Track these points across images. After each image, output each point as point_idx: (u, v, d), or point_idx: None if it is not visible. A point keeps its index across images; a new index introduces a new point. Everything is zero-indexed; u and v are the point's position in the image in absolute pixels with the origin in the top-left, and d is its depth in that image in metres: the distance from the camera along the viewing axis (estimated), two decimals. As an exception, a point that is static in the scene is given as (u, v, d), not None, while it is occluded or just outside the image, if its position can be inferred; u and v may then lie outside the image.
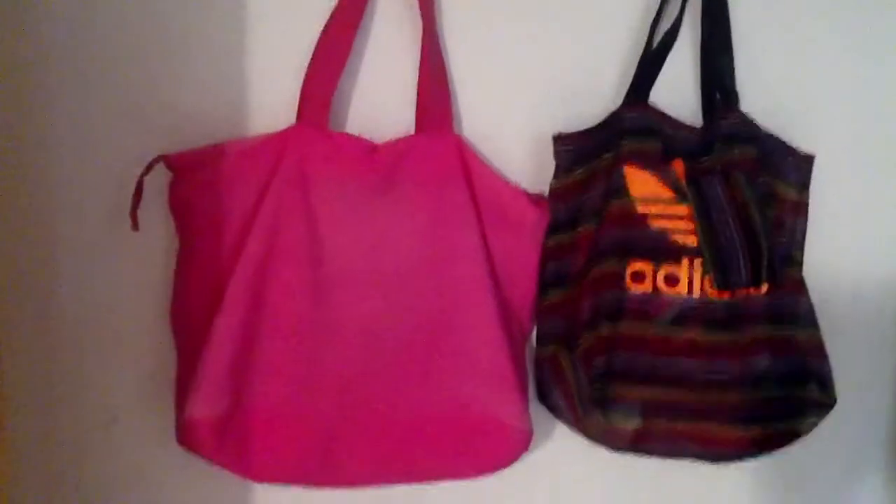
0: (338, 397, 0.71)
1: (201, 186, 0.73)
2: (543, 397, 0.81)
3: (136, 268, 0.78)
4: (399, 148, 0.74)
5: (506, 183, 0.76)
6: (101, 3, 0.76)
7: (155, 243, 0.77)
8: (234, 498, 0.81)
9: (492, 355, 0.73)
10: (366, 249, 0.73)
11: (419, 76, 0.75)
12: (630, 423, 0.75)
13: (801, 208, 0.79)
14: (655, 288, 0.76)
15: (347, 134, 0.75)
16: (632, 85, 0.79)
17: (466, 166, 0.75)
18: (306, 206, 0.72)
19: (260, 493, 0.81)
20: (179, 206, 0.74)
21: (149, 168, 0.72)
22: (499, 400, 0.73)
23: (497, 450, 0.74)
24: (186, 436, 0.71)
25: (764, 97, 0.80)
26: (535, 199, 0.78)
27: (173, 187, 0.74)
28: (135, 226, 0.72)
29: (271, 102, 0.76)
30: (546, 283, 0.79)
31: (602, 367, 0.75)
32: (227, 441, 0.70)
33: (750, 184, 0.76)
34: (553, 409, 0.81)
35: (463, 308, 0.73)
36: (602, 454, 0.78)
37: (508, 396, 0.73)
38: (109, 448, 0.80)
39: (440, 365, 0.73)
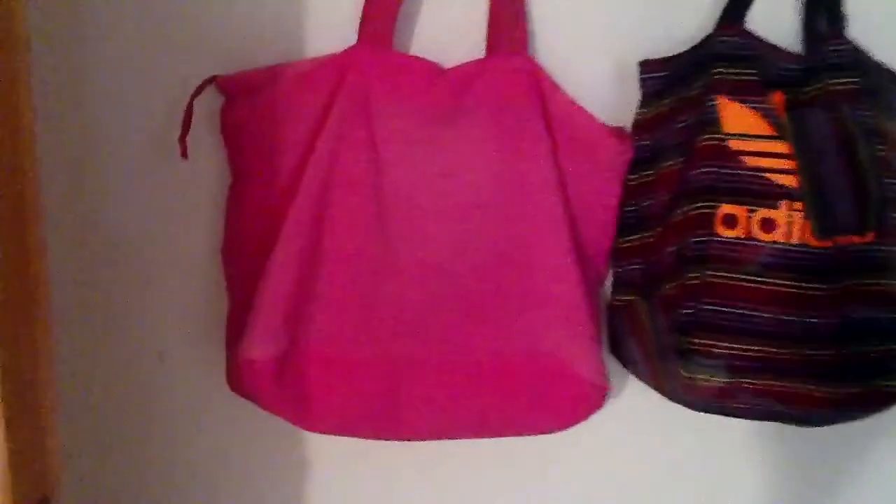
0: (401, 339, 0.66)
1: (256, 111, 0.67)
2: (616, 348, 0.76)
3: (185, 198, 0.73)
4: (469, 71, 0.68)
5: (585, 112, 0.70)
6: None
7: (205, 172, 0.72)
8: (283, 440, 0.78)
9: (567, 299, 0.68)
10: (432, 179, 0.67)
11: (492, -4, 0.69)
12: (714, 379, 0.69)
13: (913, 147, 0.72)
14: (749, 233, 0.69)
15: (414, 56, 0.69)
16: (726, 6, 0.71)
17: (542, 92, 0.68)
18: (369, 132, 0.66)
19: (310, 437, 0.77)
20: (232, 133, 0.69)
21: (199, 90, 0.67)
22: (574, 348, 0.68)
23: (571, 403, 0.69)
24: (240, 378, 0.66)
25: (875, 22, 0.72)
26: (617, 132, 0.71)
27: (226, 112, 0.69)
28: (184, 153, 0.67)
29: (330, 21, 0.70)
30: (625, 223, 0.73)
31: (686, 316, 0.68)
32: (283, 385, 0.66)
33: (857, 119, 0.68)
34: (626, 362, 0.76)
35: (536, 245, 0.67)
36: (677, 414, 0.73)
37: (584, 345, 0.68)
38: (155, 384, 0.77)
39: (511, 307, 0.67)
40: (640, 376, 0.75)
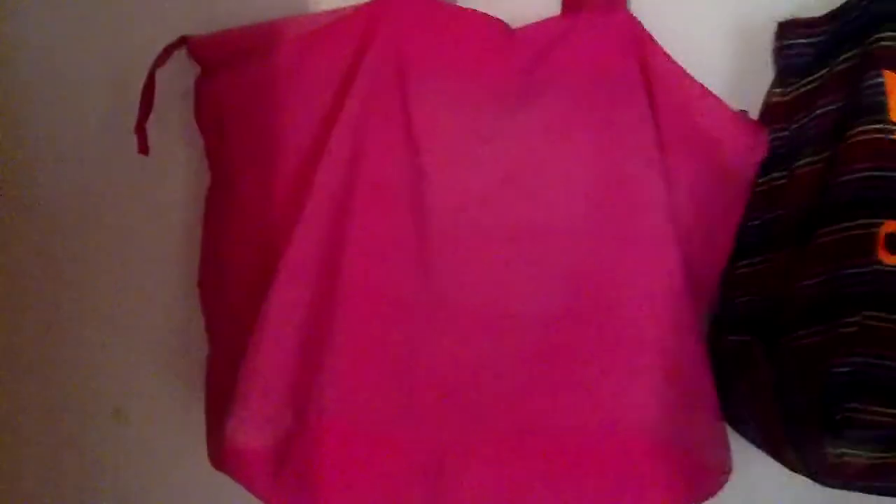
0: (446, 415, 0.48)
1: (245, 86, 0.50)
2: (722, 403, 0.58)
3: (147, 207, 0.56)
4: (549, 32, 0.50)
5: (708, 93, 0.51)
6: None
7: (174, 172, 0.55)
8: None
9: (676, 354, 0.50)
10: (493, 186, 0.49)
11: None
12: (866, 454, 0.52)
13: None
14: (925, 261, 0.51)
15: (470, 9, 0.49)
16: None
17: (647, 66, 0.50)
18: (405, 117, 0.48)
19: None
20: (212, 117, 0.51)
21: (163, 58, 0.50)
22: (683, 420, 0.50)
23: (677, 492, 0.50)
24: (228, 463, 0.48)
25: None
26: (749, 122, 0.53)
27: (202, 88, 0.51)
28: (143, 148, 0.49)
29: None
30: (744, 243, 0.57)
31: (840, 376, 0.51)
32: (286, 475, 0.48)
33: None
34: (734, 421, 0.58)
35: (639, 280, 0.49)
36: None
37: (697, 415, 0.50)
38: (114, 445, 0.62)
39: (600, 366, 0.49)
40: (751, 438, 0.59)
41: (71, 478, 0.62)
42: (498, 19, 0.49)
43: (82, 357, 0.59)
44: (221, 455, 0.48)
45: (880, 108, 0.52)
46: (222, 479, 0.53)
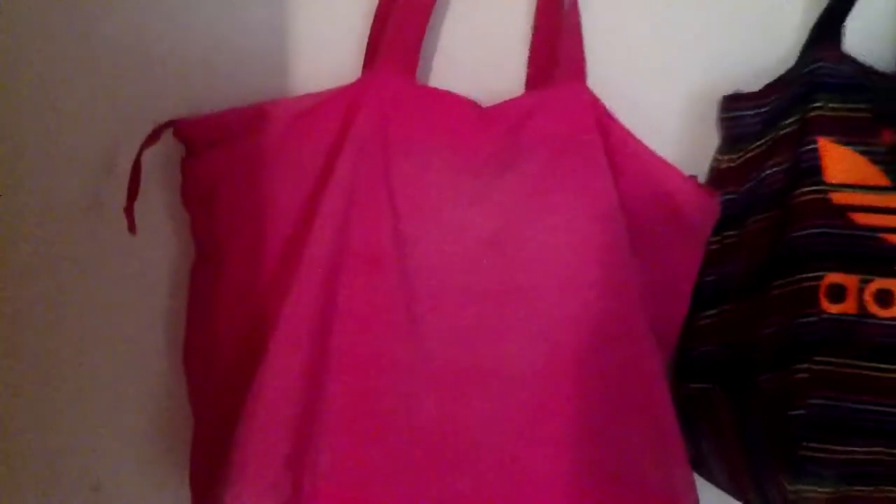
0: (443, 474, 0.49)
1: (232, 166, 0.50)
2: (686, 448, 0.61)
3: (131, 283, 0.55)
4: (519, 108, 0.52)
5: (662, 161, 0.55)
6: None
7: (158, 250, 0.55)
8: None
9: (655, 405, 0.52)
10: (475, 252, 0.51)
11: (537, 19, 0.54)
12: (824, 490, 0.55)
13: None
14: (861, 308, 0.55)
15: (446, 91, 0.52)
16: (818, 27, 0.58)
17: (608, 137, 0.53)
18: (388, 189, 0.50)
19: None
20: (199, 196, 0.51)
21: (151, 139, 0.49)
22: (665, 468, 0.52)
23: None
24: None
25: None
26: (703, 187, 0.57)
27: (189, 168, 0.51)
28: (131, 227, 0.49)
29: (324, 57, 0.54)
30: (701, 296, 0.60)
31: (796, 419, 0.54)
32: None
33: None
34: (698, 465, 0.61)
35: (615, 339, 0.51)
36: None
37: (676, 463, 0.53)
38: None
39: (587, 420, 0.51)
40: (713, 479, 0.62)
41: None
42: (469, 99, 0.52)
43: (62, 431, 0.57)
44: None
45: (816, 172, 0.56)
46: None
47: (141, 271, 0.55)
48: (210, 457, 0.50)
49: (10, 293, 0.55)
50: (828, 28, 0.58)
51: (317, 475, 0.47)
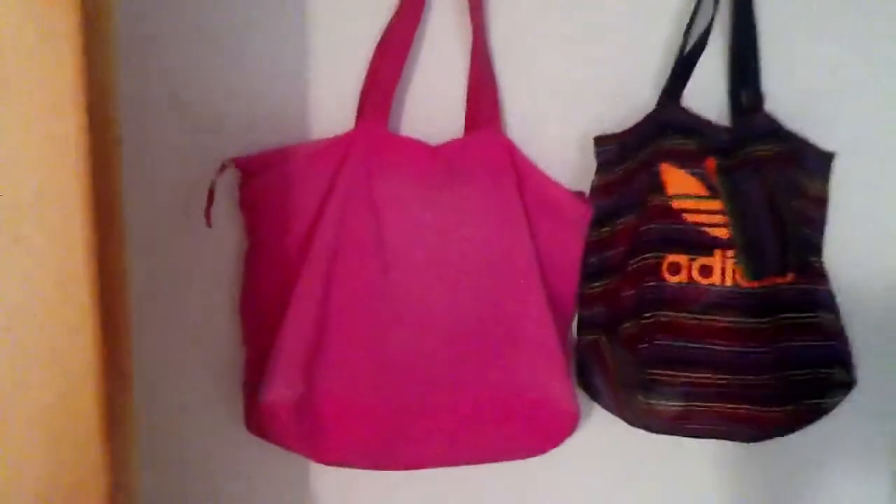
0: (403, 383, 0.76)
1: (269, 186, 0.78)
2: (584, 382, 0.87)
3: (209, 259, 0.82)
4: (455, 147, 0.80)
5: (552, 181, 0.82)
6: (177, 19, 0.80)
7: (225, 239, 0.82)
8: (291, 477, 0.87)
9: (543, 341, 0.79)
10: (427, 243, 0.78)
11: (469, 80, 0.81)
12: (672, 405, 0.81)
13: (822, 202, 0.85)
14: (691, 278, 0.81)
15: (407, 137, 0.80)
16: (665, 87, 0.84)
17: (516, 166, 0.80)
18: (371, 203, 0.77)
19: (315, 473, 0.87)
20: (249, 205, 0.79)
21: (221, 170, 0.77)
22: (549, 383, 0.79)
23: (549, 430, 0.79)
24: (261, 419, 0.75)
25: (787, 98, 0.86)
26: (579, 196, 0.83)
27: (243, 187, 0.79)
28: (208, 223, 0.77)
29: (330, 108, 0.82)
30: (588, 273, 0.85)
31: (646, 352, 0.80)
32: (299, 425, 0.75)
33: (778, 179, 0.82)
34: (593, 394, 0.87)
35: (516, 297, 0.78)
36: (634, 439, 0.85)
37: (558, 380, 0.79)
38: (178, 435, 0.85)
39: (496, 350, 0.78)
40: (605, 405, 0.86)
41: (150, 454, 0.82)
42: (423, 142, 0.79)
43: (158, 365, 0.83)
44: (256, 413, 0.75)
45: (660, 187, 0.82)
46: (255, 451, 0.78)
47: (215, 251, 0.81)
48: (255, 373, 0.77)
49: (143, 259, 0.81)
50: (672, 90, 0.84)
51: (324, 378, 0.75)
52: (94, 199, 0.49)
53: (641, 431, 0.84)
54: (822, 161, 0.85)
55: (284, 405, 0.74)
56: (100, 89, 0.50)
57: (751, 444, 0.86)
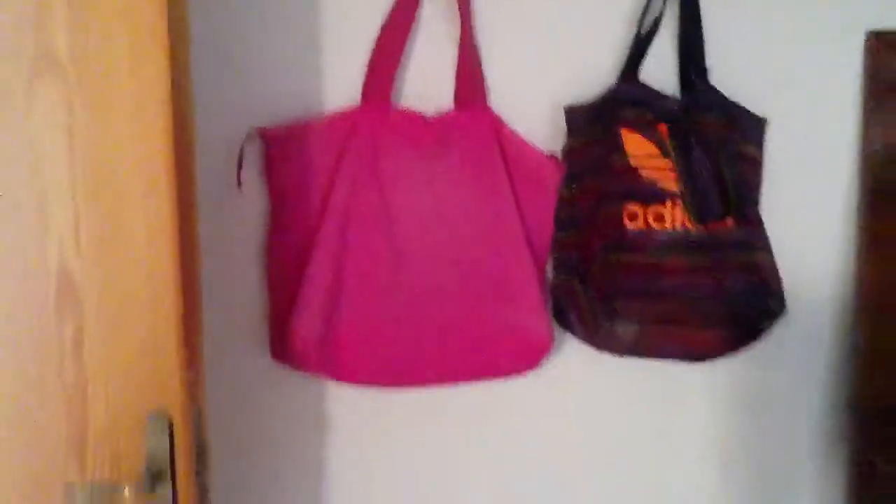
0: (408, 317, 0.92)
1: (289, 155, 0.92)
2: (559, 317, 1.02)
3: (237, 219, 0.96)
4: (446, 121, 0.95)
5: (530, 146, 0.97)
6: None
7: (252, 200, 0.96)
8: (309, 399, 1.02)
9: (524, 282, 0.94)
10: (425, 197, 0.93)
11: (458, 60, 0.96)
12: (630, 331, 0.96)
13: (757, 161, 1.01)
14: (647, 224, 0.97)
15: (405, 110, 0.95)
16: (625, 64, 0.99)
17: (500, 135, 0.95)
18: (377, 168, 0.92)
19: (330, 394, 1.02)
20: (271, 170, 0.93)
21: (249, 138, 0.91)
22: (531, 316, 0.94)
23: (528, 354, 0.95)
24: (289, 348, 0.90)
25: (727, 72, 1.01)
26: (552, 158, 0.99)
27: (266, 155, 0.93)
28: (239, 183, 0.92)
29: (340, 87, 0.96)
30: (562, 223, 1.00)
31: (608, 287, 0.96)
32: (321, 351, 0.90)
33: (719, 140, 0.97)
34: (567, 326, 1.02)
35: (502, 246, 0.94)
36: (601, 363, 1.01)
37: (536, 313, 0.95)
38: (213, 364, 0.95)
39: (487, 289, 0.94)
40: (577, 334, 1.02)
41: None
42: (420, 114, 0.94)
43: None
44: (283, 343, 0.90)
45: (621, 147, 0.97)
46: (277, 376, 0.94)
47: (243, 212, 0.95)
48: (279, 313, 0.92)
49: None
50: (630, 67, 0.99)
51: (341, 315, 0.90)
52: (178, 186, 0.64)
53: (606, 358, 1.01)
54: (756, 125, 1.01)
55: (310, 335, 0.89)
56: (182, 97, 0.65)
57: (695, 363, 1.02)
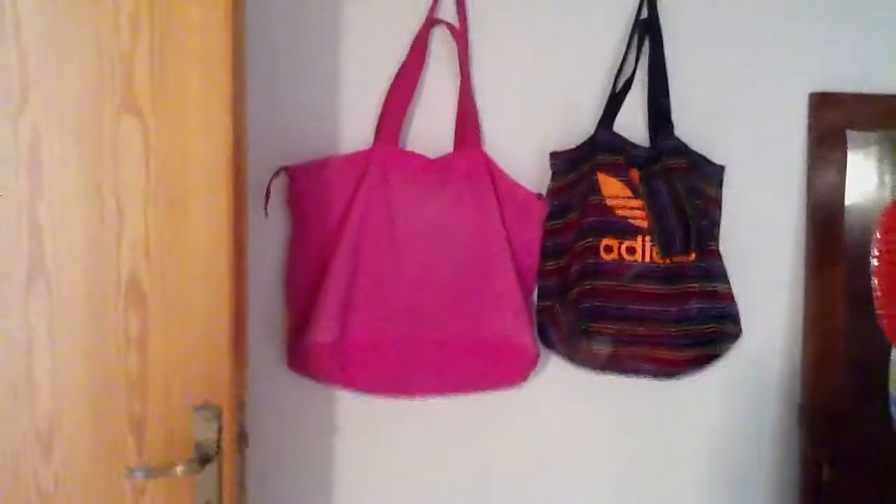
0: (408, 329, 1.04)
1: (310, 188, 1.06)
2: (542, 336, 1.15)
3: (265, 239, 1.09)
4: (446, 161, 1.09)
5: (518, 185, 1.11)
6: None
7: (276, 223, 1.09)
8: (317, 402, 1.13)
9: (511, 301, 1.07)
10: (427, 227, 1.07)
11: (458, 110, 1.10)
12: (605, 349, 1.10)
13: (716, 201, 1.16)
14: (620, 256, 1.11)
15: (413, 151, 1.09)
16: (602, 116, 1.14)
17: (492, 173, 1.09)
18: (386, 200, 1.06)
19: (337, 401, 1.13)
20: (294, 201, 1.07)
21: (276, 174, 1.04)
22: (519, 331, 1.07)
23: (517, 366, 1.08)
24: (305, 358, 1.02)
25: (690, 126, 1.16)
26: (538, 196, 1.13)
27: (291, 187, 1.07)
28: (266, 213, 1.05)
29: (355, 130, 1.10)
30: (545, 254, 1.14)
31: (586, 310, 1.09)
32: (334, 360, 1.03)
33: (683, 184, 1.12)
34: (549, 345, 1.15)
35: (493, 269, 1.07)
36: (581, 378, 1.14)
37: (525, 329, 1.08)
38: None
39: (479, 306, 1.06)
40: (558, 352, 1.15)
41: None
42: (424, 155, 1.07)
43: None
44: (302, 354, 1.02)
45: (598, 189, 1.11)
46: (289, 382, 1.05)
47: (269, 234, 1.08)
48: (297, 325, 1.04)
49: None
50: (605, 119, 1.14)
51: (353, 325, 1.02)
52: (235, 202, 0.77)
53: (584, 373, 1.14)
54: (715, 171, 1.16)
55: (325, 345, 1.01)
56: (240, 105, 0.78)
57: (663, 380, 1.15)
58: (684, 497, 1.22)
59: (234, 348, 0.77)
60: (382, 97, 1.09)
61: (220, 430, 0.76)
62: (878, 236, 1.20)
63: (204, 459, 0.75)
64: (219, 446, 0.76)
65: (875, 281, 1.21)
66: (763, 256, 1.20)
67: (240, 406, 0.80)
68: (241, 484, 0.82)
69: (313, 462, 1.14)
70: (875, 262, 1.21)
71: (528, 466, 1.19)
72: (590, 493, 1.20)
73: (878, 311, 1.18)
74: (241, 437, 0.81)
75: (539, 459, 1.19)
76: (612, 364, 1.11)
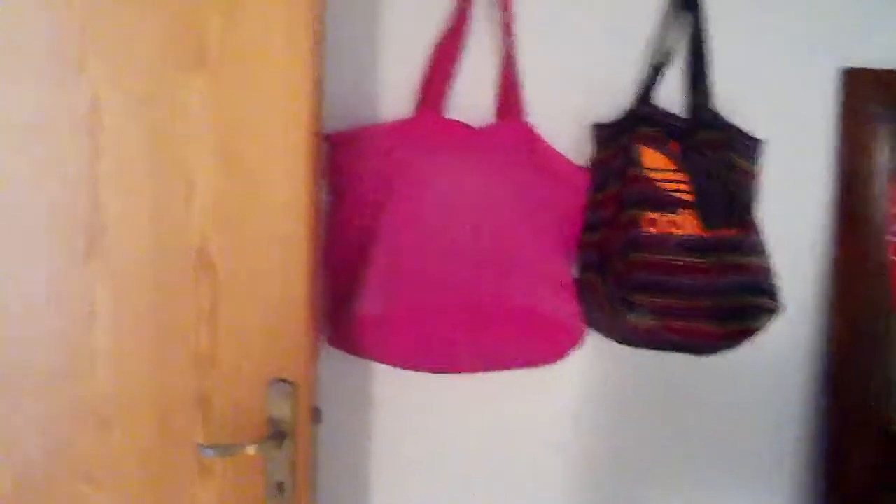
0: (450, 301, 1.01)
1: (352, 154, 1.02)
2: (582, 311, 1.14)
3: None
4: (489, 131, 1.06)
5: (561, 156, 1.09)
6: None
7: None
8: (355, 376, 1.10)
9: (558, 275, 1.06)
10: (471, 196, 1.04)
11: (501, 79, 1.07)
12: (646, 321, 1.08)
13: (755, 175, 1.16)
14: (662, 229, 1.09)
15: (456, 120, 1.06)
16: (642, 89, 1.13)
17: (535, 145, 1.07)
18: (427, 169, 1.02)
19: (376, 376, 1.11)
20: (335, 168, 1.03)
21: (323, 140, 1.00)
22: (564, 308, 1.05)
23: (560, 342, 1.06)
24: (350, 332, 0.99)
25: (728, 99, 1.16)
26: (581, 168, 1.11)
27: (330, 155, 1.03)
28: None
29: (397, 98, 1.07)
30: (587, 226, 1.12)
31: (630, 282, 1.08)
32: (379, 334, 0.99)
33: (722, 157, 1.11)
34: (589, 320, 1.14)
35: (537, 242, 1.05)
36: (617, 355, 1.13)
37: (569, 303, 1.06)
38: None
39: (521, 278, 1.04)
40: (597, 328, 1.14)
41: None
42: (465, 123, 1.05)
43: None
44: (347, 329, 0.99)
45: (639, 161, 1.11)
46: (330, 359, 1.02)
47: None
48: (338, 298, 1.01)
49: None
50: (646, 92, 1.13)
51: (397, 299, 0.99)
52: (313, 193, 0.73)
53: (619, 349, 1.13)
54: (754, 146, 1.16)
55: (373, 317, 0.98)
56: (320, 70, 0.74)
57: (701, 355, 1.15)
58: (712, 474, 1.22)
59: (311, 321, 0.74)
60: (424, 66, 1.05)
61: (295, 407, 0.73)
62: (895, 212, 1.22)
63: (278, 437, 0.72)
64: (294, 424, 0.73)
65: (893, 258, 1.23)
66: (791, 231, 1.21)
67: (314, 382, 0.77)
68: (313, 464, 0.79)
69: (373, 439, 1.11)
70: (893, 239, 1.23)
71: (563, 441, 1.17)
72: (625, 467, 1.20)
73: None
74: (315, 414, 0.78)
75: (574, 436, 1.18)
76: (654, 337, 1.10)
